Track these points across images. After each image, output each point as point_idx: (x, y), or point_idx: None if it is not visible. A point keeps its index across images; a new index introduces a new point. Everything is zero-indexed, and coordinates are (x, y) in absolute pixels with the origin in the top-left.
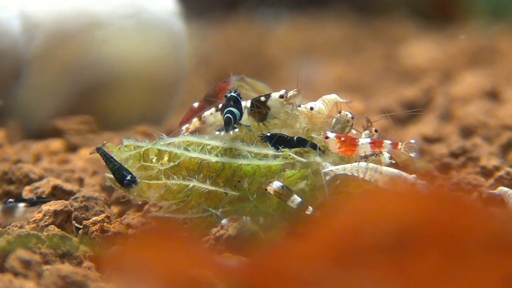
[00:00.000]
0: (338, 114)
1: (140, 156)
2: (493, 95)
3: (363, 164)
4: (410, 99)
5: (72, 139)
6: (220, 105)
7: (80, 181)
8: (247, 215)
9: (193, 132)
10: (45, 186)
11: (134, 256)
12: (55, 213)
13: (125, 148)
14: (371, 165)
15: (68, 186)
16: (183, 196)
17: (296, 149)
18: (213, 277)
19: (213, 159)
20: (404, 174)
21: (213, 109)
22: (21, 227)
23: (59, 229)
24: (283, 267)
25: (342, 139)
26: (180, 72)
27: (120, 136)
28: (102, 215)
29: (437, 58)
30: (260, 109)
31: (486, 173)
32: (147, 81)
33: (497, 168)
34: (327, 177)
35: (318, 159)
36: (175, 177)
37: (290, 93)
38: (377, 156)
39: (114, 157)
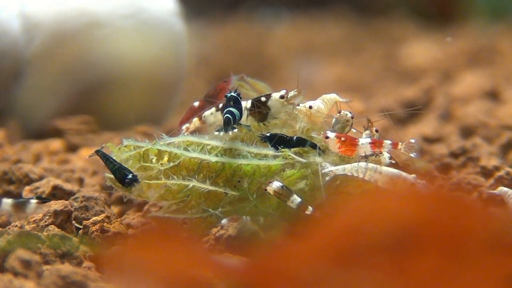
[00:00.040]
0: (338, 114)
1: (140, 156)
2: (493, 95)
3: (362, 164)
4: (410, 99)
5: (72, 139)
6: (221, 105)
7: (80, 181)
8: (247, 215)
9: (193, 132)
10: (45, 186)
11: (134, 256)
12: (55, 213)
13: (125, 149)
14: (370, 165)
15: (68, 186)
16: (183, 196)
17: (295, 149)
18: (213, 277)
19: (213, 159)
20: (404, 174)
21: (213, 109)
22: (21, 227)
23: (59, 229)
24: (283, 267)
25: (342, 139)
26: (180, 72)
27: (120, 136)
28: (102, 215)
29: (437, 58)
30: (260, 109)
31: (486, 173)
32: (147, 81)
33: (497, 168)
34: (327, 178)
35: (317, 159)
36: (175, 177)
37: (291, 94)
38: (377, 156)
39: (114, 158)
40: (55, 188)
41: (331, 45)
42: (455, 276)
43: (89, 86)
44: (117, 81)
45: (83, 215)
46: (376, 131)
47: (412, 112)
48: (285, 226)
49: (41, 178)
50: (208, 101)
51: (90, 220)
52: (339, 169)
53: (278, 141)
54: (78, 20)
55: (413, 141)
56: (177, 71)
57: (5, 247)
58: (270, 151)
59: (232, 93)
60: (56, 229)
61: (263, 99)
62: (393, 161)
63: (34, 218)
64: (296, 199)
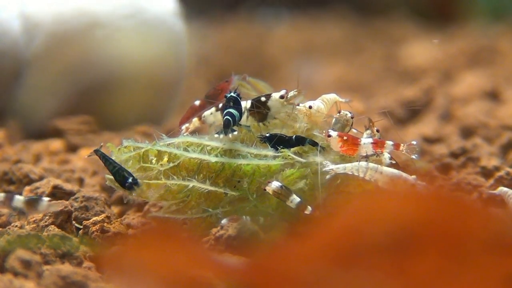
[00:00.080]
0: (338, 114)
1: (140, 157)
2: (493, 95)
3: (363, 163)
4: (410, 99)
5: (72, 139)
6: (221, 105)
7: (80, 181)
8: (247, 215)
9: (193, 132)
10: (45, 186)
11: (134, 256)
12: (55, 213)
13: (125, 149)
14: (371, 165)
15: (68, 186)
16: (183, 196)
17: (295, 148)
18: (213, 278)
19: (213, 159)
20: (404, 175)
21: (213, 109)
22: (21, 227)
23: (59, 229)
24: (283, 267)
25: (345, 138)
26: (180, 72)
27: (120, 136)
28: (102, 215)
29: (437, 58)
30: (260, 109)
31: (486, 173)
32: (147, 81)
33: (497, 168)
34: (328, 176)
35: (317, 158)
36: (174, 177)
37: (291, 94)
38: (378, 156)
39: (114, 159)
40: (55, 188)
41: (331, 45)
42: (455, 276)
43: (89, 86)
44: (117, 81)
45: (83, 215)
46: (377, 131)
47: (412, 113)
48: (285, 226)
49: (41, 178)
50: (209, 101)
51: (90, 220)
52: (340, 167)
53: (278, 141)
54: (78, 20)
55: (414, 142)
56: (177, 71)
57: (5, 247)
58: (269, 152)
59: (232, 94)
60: (56, 229)
61: (263, 99)
62: (394, 162)
63: (34, 218)
64: (296, 199)
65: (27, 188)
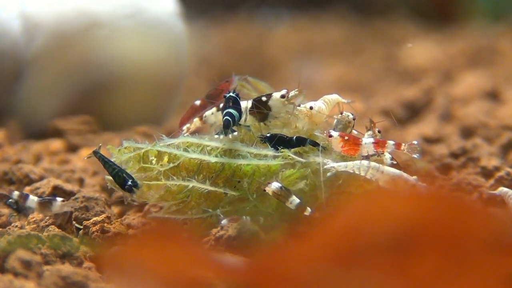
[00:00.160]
0: (340, 115)
1: (140, 157)
2: (493, 96)
3: (365, 162)
4: (410, 99)
5: (72, 139)
6: (221, 105)
7: (81, 182)
8: (247, 215)
9: (193, 132)
10: (45, 187)
11: (135, 256)
12: (56, 213)
13: (125, 150)
14: (373, 164)
15: (68, 187)
16: (183, 196)
17: (295, 149)
18: (214, 278)
19: (213, 159)
20: (405, 175)
21: (214, 109)
22: (21, 227)
23: (60, 230)
24: (283, 267)
25: (346, 138)
26: (181, 73)
27: (120, 137)
28: (103, 216)
29: (437, 59)
30: (261, 109)
31: (487, 173)
32: (148, 81)
33: (497, 169)
34: (329, 173)
35: (318, 159)
36: (175, 178)
37: (292, 93)
38: (379, 156)
39: (114, 160)
40: (55, 188)
41: (331, 46)
42: (455, 276)
43: (89, 86)
44: (117, 82)
45: (83, 216)
46: (379, 131)
47: (412, 113)
48: (285, 226)
49: (41, 178)
50: (209, 101)
51: (91, 221)
52: (341, 165)
53: (278, 142)
54: (78, 20)
55: (415, 142)
56: (177, 71)
57: (5, 247)
58: (269, 152)
59: (231, 93)
60: (57, 229)
61: (263, 99)
62: (394, 162)
63: (34, 219)
64: (295, 200)
65: (28, 188)
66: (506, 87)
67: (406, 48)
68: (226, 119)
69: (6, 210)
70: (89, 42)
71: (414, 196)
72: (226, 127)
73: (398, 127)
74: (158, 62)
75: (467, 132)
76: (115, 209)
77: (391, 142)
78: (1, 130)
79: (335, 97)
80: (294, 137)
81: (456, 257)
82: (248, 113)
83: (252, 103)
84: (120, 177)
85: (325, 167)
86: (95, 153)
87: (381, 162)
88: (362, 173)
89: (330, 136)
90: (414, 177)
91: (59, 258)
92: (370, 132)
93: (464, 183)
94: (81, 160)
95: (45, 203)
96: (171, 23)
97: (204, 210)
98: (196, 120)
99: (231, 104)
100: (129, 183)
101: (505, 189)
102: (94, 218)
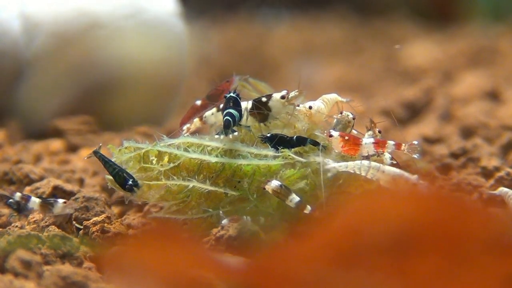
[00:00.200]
0: (340, 115)
1: (141, 157)
2: (493, 96)
3: (365, 162)
4: (410, 99)
5: (73, 140)
6: (221, 105)
7: (81, 182)
8: (247, 215)
9: (194, 132)
10: (45, 187)
11: (135, 256)
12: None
13: (126, 150)
14: (373, 163)
15: (68, 187)
16: (183, 196)
17: (296, 149)
18: (214, 278)
19: (213, 159)
20: (406, 174)
21: (214, 109)
22: (21, 227)
23: (60, 230)
24: (284, 267)
25: (346, 138)
26: (181, 73)
27: (120, 137)
28: (103, 216)
29: (438, 59)
30: (261, 110)
31: (487, 173)
32: (148, 81)
33: (497, 169)
34: (329, 174)
35: (318, 158)
36: (175, 177)
37: (292, 94)
38: (379, 156)
39: (114, 160)
40: (56, 188)
41: (331, 46)
42: (455, 276)
43: (89, 86)
44: (118, 82)
45: (83, 216)
46: (379, 131)
47: (412, 113)
48: (286, 226)
49: (41, 178)
50: (210, 101)
51: (91, 221)
52: (342, 165)
53: (279, 142)
54: (78, 21)
55: (415, 142)
56: (178, 72)
57: (5, 247)
58: (270, 152)
59: (231, 94)
60: (57, 229)
61: (264, 99)
62: (394, 162)
63: (34, 219)
64: (295, 198)
65: (28, 188)
66: (506, 87)
67: (405, 48)
68: (226, 119)
69: (6, 210)
70: (89, 42)
71: (414, 196)
72: (227, 127)
73: (398, 127)
74: (158, 62)
75: (467, 132)
76: (115, 209)
77: (391, 142)
78: (1, 130)
79: (334, 96)
80: (295, 136)
81: (456, 257)
82: (248, 113)
83: (252, 104)
84: (120, 177)
85: (326, 167)
86: (95, 153)
87: (381, 162)
88: (363, 173)
89: (331, 136)
90: (415, 176)
91: (59, 258)
92: (370, 132)
93: (464, 183)
94: (81, 160)
95: (46, 205)
96: (171, 23)
97: (204, 210)
98: (196, 120)
99: (231, 105)
100: (130, 182)
101: (505, 189)
102: (94, 218)
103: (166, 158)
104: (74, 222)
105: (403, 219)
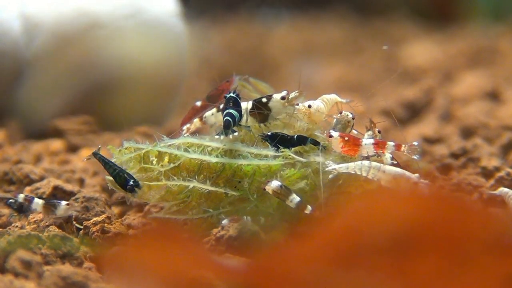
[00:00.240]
0: (339, 115)
1: (141, 158)
2: (493, 96)
3: (366, 162)
4: (410, 99)
5: (73, 140)
6: (221, 105)
7: (81, 182)
8: (247, 215)
9: (194, 133)
10: (45, 187)
11: (135, 256)
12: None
13: (126, 150)
14: (374, 163)
15: (68, 187)
16: (183, 197)
17: (296, 148)
18: (214, 278)
19: (213, 159)
20: (407, 173)
21: (214, 110)
22: (21, 227)
23: (60, 230)
24: (284, 267)
25: (346, 138)
26: (181, 73)
27: (120, 137)
28: (103, 216)
29: (438, 59)
30: (261, 110)
31: (487, 173)
32: (148, 81)
33: (497, 169)
34: (330, 176)
35: (318, 158)
36: (175, 178)
37: (292, 95)
38: (379, 157)
39: (114, 160)
40: (56, 188)
41: (331, 46)
42: (455, 276)
43: (89, 87)
44: (118, 82)
45: (83, 216)
46: (379, 132)
47: (412, 113)
48: (286, 227)
49: (41, 178)
50: (211, 101)
51: (91, 221)
52: (343, 167)
53: (279, 141)
54: (78, 21)
55: (415, 143)
56: (178, 72)
57: (5, 247)
58: (270, 151)
59: (231, 94)
60: (57, 229)
61: (264, 100)
62: (395, 162)
63: (34, 219)
64: (295, 198)
65: (28, 188)
66: (506, 87)
67: (405, 48)
68: (226, 119)
69: (6, 210)
70: (89, 42)
71: (414, 196)
72: (227, 128)
73: (399, 127)
74: (158, 62)
75: (467, 132)
76: (116, 210)
77: (391, 143)
78: (1, 130)
79: (333, 96)
80: (295, 135)
81: (456, 257)
82: (248, 114)
83: (253, 104)
84: (121, 177)
85: (326, 169)
86: (95, 154)
87: (381, 162)
88: (364, 174)
89: (331, 136)
90: (416, 174)
91: (59, 258)
92: (370, 132)
93: (464, 183)
94: (81, 160)
95: (49, 206)
96: (171, 23)
97: (204, 210)
98: (196, 120)
99: (231, 105)
100: (131, 183)
101: (505, 189)
102: (95, 218)
103: (166, 159)
104: (74, 222)
105: (402, 219)
